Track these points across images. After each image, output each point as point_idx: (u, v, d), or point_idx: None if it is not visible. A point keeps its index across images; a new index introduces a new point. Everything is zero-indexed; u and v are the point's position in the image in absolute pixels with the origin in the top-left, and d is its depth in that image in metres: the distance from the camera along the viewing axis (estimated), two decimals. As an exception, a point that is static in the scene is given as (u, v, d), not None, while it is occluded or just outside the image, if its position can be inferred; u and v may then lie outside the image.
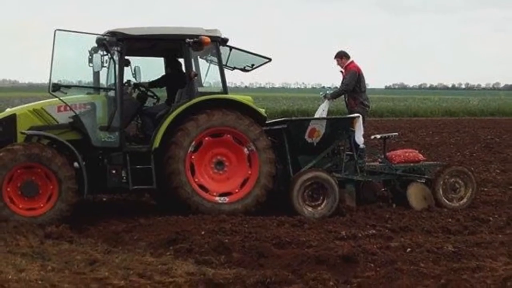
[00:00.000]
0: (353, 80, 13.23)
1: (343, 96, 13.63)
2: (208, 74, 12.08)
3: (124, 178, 10.82)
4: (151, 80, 12.20)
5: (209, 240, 8.81)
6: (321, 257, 7.85)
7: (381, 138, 12.86)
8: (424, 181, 12.14)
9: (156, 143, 10.91)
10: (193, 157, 11.02)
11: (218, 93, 11.47)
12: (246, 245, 8.53)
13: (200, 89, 11.48)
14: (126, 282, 7.04)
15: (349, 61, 13.47)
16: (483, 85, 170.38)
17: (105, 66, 11.26)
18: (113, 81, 11.25)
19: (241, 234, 9.22)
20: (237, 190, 11.18)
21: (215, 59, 11.64)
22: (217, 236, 9.00)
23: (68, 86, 11.16)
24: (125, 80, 11.31)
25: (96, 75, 11.49)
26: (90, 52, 11.45)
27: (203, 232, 9.24)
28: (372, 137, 13.54)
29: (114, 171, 10.80)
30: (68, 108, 10.85)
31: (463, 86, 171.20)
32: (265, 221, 10.19)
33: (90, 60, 11.28)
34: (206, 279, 7.10)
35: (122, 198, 12.70)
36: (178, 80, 11.66)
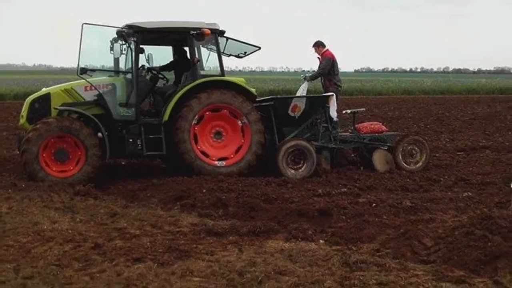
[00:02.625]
0: (328, 65, 13.19)
1: (320, 78, 13.58)
2: (209, 60, 11.98)
3: (139, 145, 10.80)
4: (161, 65, 12.15)
5: (209, 196, 8.81)
6: (301, 211, 7.87)
7: (351, 112, 12.82)
8: (386, 148, 12.13)
9: (166, 117, 10.89)
10: (196, 128, 11.00)
11: (216, 75, 11.40)
12: (240, 201, 8.54)
13: (202, 73, 11.44)
14: (141, 231, 7.06)
15: (324, 49, 13.41)
16: (435, 69, 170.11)
17: (124, 53, 11.24)
18: (130, 66, 11.21)
19: (236, 191, 9.22)
20: (232, 156, 11.16)
21: (214, 47, 11.56)
22: (216, 194, 9.00)
23: (93, 70, 11.13)
24: (140, 65, 11.24)
25: (116, 61, 11.40)
26: (111, 42, 11.39)
27: (204, 190, 9.23)
28: (344, 112, 13.49)
29: (131, 140, 10.79)
30: (93, 88, 10.82)
31: (418, 70, 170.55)
32: (256, 181, 10.18)
33: (111, 49, 11.21)
34: (207, 228, 7.12)
35: (138, 162, 12.66)
36: (184, 65, 11.63)
